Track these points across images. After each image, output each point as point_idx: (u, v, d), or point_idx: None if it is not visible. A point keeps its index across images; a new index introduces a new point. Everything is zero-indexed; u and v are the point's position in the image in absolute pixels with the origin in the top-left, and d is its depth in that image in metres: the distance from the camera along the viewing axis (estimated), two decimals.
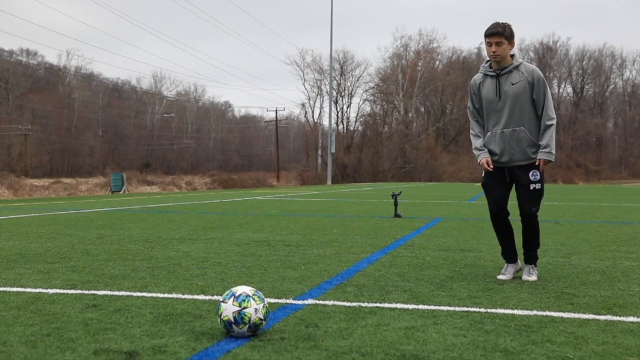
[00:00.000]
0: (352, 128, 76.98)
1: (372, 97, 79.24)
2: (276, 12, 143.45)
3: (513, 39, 4.92)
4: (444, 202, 18.94)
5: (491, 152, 5.09)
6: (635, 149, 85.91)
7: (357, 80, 78.45)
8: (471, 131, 5.26)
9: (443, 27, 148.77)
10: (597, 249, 7.14)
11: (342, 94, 76.65)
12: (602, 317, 3.78)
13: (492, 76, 5.04)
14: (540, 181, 4.99)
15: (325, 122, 74.78)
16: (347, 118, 77.28)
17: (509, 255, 5.23)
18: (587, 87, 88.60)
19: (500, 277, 5.15)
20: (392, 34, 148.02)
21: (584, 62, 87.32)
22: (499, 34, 4.86)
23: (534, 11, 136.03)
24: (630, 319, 3.76)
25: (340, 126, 75.36)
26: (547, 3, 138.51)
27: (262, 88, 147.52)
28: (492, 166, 5.04)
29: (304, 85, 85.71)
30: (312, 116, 76.96)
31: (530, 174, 4.98)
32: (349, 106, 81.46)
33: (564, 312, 3.91)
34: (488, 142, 5.11)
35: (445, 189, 35.38)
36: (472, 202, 18.99)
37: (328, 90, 67.60)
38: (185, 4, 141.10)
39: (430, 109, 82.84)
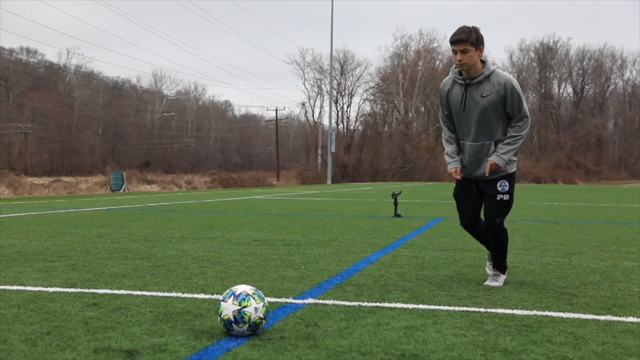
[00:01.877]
0: (352, 127, 77.13)
1: (372, 97, 79.35)
2: (277, 11, 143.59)
3: (481, 45, 4.49)
4: (443, 201, 18.94)
5: (462, 163, 4.82)
6: (636, 149, 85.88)
7: (358, 79, 78.64)
8: (443, 135, 4.89)
9: (443, 27, 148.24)
10: (597, 249, 7.14)
11: (343, 93, 76.75)
12: (602, 317, 3.78)
13: (461, 84, 4.64)
14: (509, 192, 4.70)
15: (326, 122, 74.94)
16: (347, 117, 77.42)
17: None
18: (587, 87, 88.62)
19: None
20: (392, 33, 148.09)
21: (584, 63, 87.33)
22: (464, 40, 4.42)
23: (535, 11, 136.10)
24: (630, 319, 3.76)
25: (341, 126, 75.49)
26: (548, 3, 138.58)
27: (263, 87, 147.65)
28: (460, 176, 4.75)
29: (304, 84, 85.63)
30: (312, 115, 77.13)
31: (499, 184, 4.69)
32: (349, 106, 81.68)
33: (563, 312, 3.92)
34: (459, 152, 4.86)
35: (445, 188, 35.35)
36: None
37: (328, 89, 67.68)
38: (186, 2, 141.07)
39: (431, 109, 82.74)
